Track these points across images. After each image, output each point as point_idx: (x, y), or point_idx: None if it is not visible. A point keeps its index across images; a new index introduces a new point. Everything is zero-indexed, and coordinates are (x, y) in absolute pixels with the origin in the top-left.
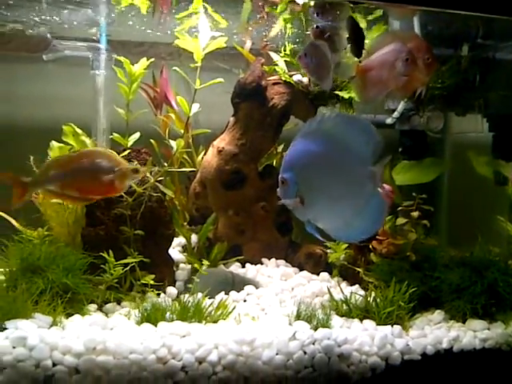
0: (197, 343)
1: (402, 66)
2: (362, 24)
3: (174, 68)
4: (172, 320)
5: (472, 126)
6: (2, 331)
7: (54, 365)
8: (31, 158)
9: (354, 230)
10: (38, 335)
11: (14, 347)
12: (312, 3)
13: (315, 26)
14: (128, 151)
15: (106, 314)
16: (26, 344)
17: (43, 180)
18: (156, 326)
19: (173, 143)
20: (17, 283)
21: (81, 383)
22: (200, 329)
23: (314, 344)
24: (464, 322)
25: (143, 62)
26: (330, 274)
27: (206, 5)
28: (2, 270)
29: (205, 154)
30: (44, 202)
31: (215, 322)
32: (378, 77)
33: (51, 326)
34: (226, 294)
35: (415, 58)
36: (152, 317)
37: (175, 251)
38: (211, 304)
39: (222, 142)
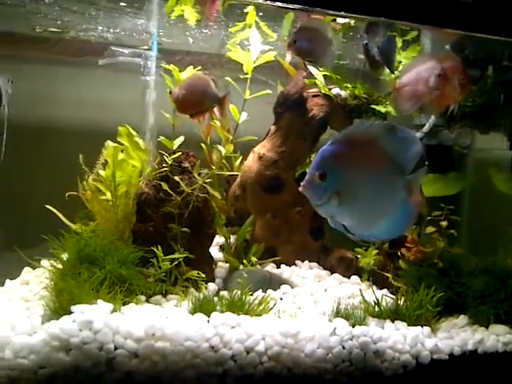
0: (246, 334)
1: (434, 80)
2: (398, 43)
3: (226, 78)
4: (223, 311)
5: (496, 144)
6: None
7: (116, 348)
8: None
9: (378, 232)
10: (103, 320)
11: (80, 330)
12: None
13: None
14: (178, 154)
15: (155, 305)
16: (92, 328)
17: None
18: (208, 316)
19: (221, 148)
20: (75, 272)
21: (138, 367)
22: (248, 321)
23: (351, 340)
24: (487, 327)
25: (190, 70)
26: (361, 277)
27: (257, 19)
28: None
29: (243, 159)
30: (92, 198)
31: (259, 315)
32: (413, 91)
33: (112, 312)
34: (264, 291)
35: (447, 74)
36: (204, 307)
37: (214, 250)
38: (255, 299)
39: (263, 148)
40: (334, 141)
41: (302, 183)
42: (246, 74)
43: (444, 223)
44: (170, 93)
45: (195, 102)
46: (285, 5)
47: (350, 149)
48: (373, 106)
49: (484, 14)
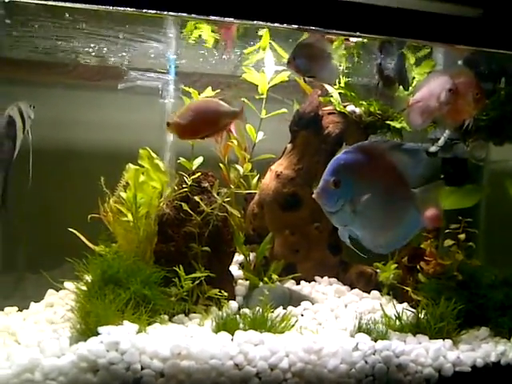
0: (270, 351)
1: (445, 95)
2: (412, 60)
3: (242, 99)
4: (246, 329)
5: (510, 155)
6: None
7: (142, 368)
8: (102, 179)
9: (385, 244)
10: (129, 340)
11: (107, 351)
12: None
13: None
14: (198, 174)
15: (178, 324)
16: (119, 348)
17: None
18: (232, 334)
19: (239, 167)
20: (100, 293)
21: None
22: (271, 338)
23: (374, 354)
24: (509, 338)
25: (208, 92)
26: (380, 292)
27: (271, 41)
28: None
29: (260, 177)
30: (113, 220)
31: (281, 332)
32: (425, 107)
33: (137, 332)
34: (284, 308)
35: (458, 89)
36: (227, 326)
37: (234, 268)
38: (277, 317)
39: (280, 166)
40: (347, 151)
41: (315, 190)
42: (262, 94)
43: (462, 236)
44: (169, 124)
45: (209, 121)
46: (300, 26)
47: (362, 159)
48: (388, 122)
49: (493, 29)
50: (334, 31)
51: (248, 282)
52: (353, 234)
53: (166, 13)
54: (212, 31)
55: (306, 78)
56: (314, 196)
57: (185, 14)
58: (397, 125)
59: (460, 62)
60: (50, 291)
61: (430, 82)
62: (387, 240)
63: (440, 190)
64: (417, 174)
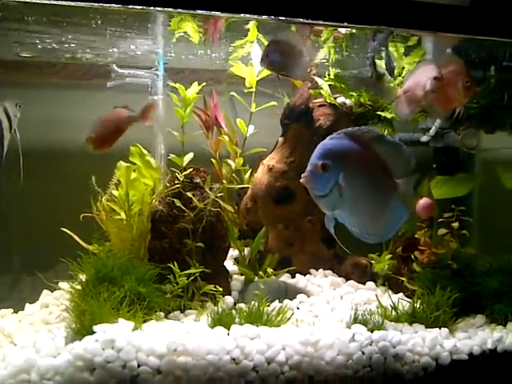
0: (266, 344)
1: (430, 83)
2: (401, 50)
3: (232, 93)
4: (242, 324)
5: (502, 143)
6: None
7: (139, 366)
8: (93, 178)
9: (371, 231)
10: (125, 338)
11: (103, 349)
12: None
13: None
14: (189, 170)
15: (174, 321)
16: (115, 346)
17: None
18: (228, 329)
19: (230, 162)
20: (94, 292)
21: (162, 383)
22: (267, 331)
23: (371, 345)
24: (505, 325)
25: (195, 87)
26: (376, 283)
27: (258, 34)
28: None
29: (252, 172)
30: (106, 219)
31: (277, 326)
32: (412, 96)
33: (133, 329)
34: (280, 302)
35: (447, 77)
36: (224, 320)
37: (228, 263)
38: (272, 310)
39: (272, 160)
40: (334, 136)
41: (303, 174)
42: (250, 87)
43: (455, 224)
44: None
45: (115, 130)
46: (287, 18)
47: (349, 144)
48: (378, 113)
49: (481, 17)
50: (322, 22)
51: (243, 277)
52: (340, 220)
53: (152, 8)
54: (198, 26)
55: (280, 76)
56: (301, 180)
57: (171, 9)
58: (387, 115)
59: (449, 51)
60: (45, 292)
61: (416, 72)
62: (373, 228)
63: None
64: (401, 166)
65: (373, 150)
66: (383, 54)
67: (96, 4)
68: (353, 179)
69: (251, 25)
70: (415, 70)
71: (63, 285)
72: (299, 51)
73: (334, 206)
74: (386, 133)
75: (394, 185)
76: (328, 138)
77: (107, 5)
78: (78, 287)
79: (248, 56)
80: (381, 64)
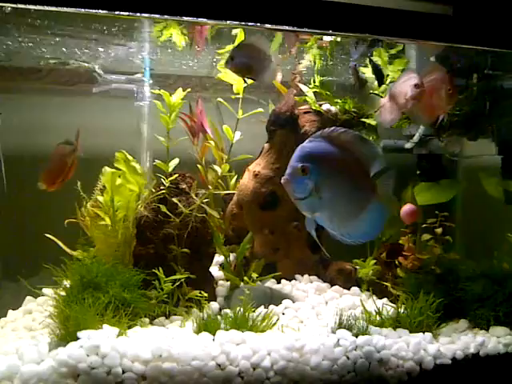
0: (252, 350)
1: (410, 91)
2: (384, 58)
3: (219, 99)
4: (227, 329)
5: (484, 150)
6: None
7: (124, 372)
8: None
9: (352, 233)
10: (110, 344)
11: (88, 355)
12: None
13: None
14: (175, 176)
15: (159, 327)
16: (99, 352)
17: None
18: (213, 334)
19: (217, 168)
20: (79, 298)
21: None
22: (253, 337)
23: (355, 350)
24: (488, 329)
25: (180, 93)
26: (360, 288)
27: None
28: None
29: (238, 178)
30: (91, 224)
31: (263, 331)
32: (395, 104)
33: (118, 335)
34: (266, 307)
35: (423, 84)
36: (209, 326)
37: (214, 269)
38: (258, 316)
39: (258, 166)
40: (312, 139)
41: (283, 177)
42: (237, 94)
43: (439, 230)
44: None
45: (58, 167)
46: (273, 26)
47: (327, 147)
48: (363, 120)
49: (463, 26)
50: (306, 30)
51: (229, 283)
52: (320, 222)
53: (138, 14)
54: (183, 33)
55: (246, 79)
56: (281, 182)
57: (157, 16)
58: (372, 122)
59: (432, 59)
60: (29, 298)
61: (399, 81)
62: (354, 230)
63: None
64: (375, 166)
65: (350, 151)
66: (368, 62)
67: (82, 10)
68: (331, 182)
69: (238, 31)
70: (398, 80)
71: (47, 291)
72: (266, 56)
73: (313, 208)
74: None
75: (373, 186)
76: (307, 140)
77: (93, 11)
78: (63, 293)
79: None
80: (367, 71)
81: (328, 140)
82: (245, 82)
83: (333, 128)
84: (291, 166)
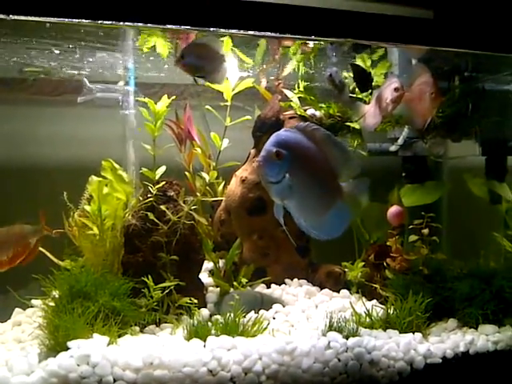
0: (243, 355)
1: (390, 94)
2: (367, 62)
3: (207, 107)
4: (218, 335)
5: (468, 151)
6: None
7: (115, 380)
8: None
9: (315, 228)
10: (100, 353)
11: (78, 365)
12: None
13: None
14: (162, 183)
15: (150, 335)
16: (90, 361)
17: None
18: (204, 341)
19: (204, 175)
20: (68, 307)
21: None
22: (244, 342)
23: (346, 352)
24: (476, 328)
25: (165, 101)
26: (350, 291)
27: (233, 48)
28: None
29: (225, 184)
30: (78, 234)
31: (253, 336)
32: (377, 109)
33: (108, 344)
34: (256, 312)
35: (403, 88)
36: (200, 332)
37: (203, 275)
38: (248, 321)
39: (245, 172)
40: (287, 129)
41: (257, 160)
42: (226, 101)
43: (426, 231)
44: None
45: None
46: (258, 33)
47: (301, 138)
48: (347, 124)
49: (444, 29)
50: (289, 36)
51: (218, 289)
52: (288, 210)
53: (122, 23)
54: (168, 41)
55: (196, 78)
56: (254, 165)
57: (141, 24)
58: (356, 126)
59: (415, 62)
60: (17, 310)
61: (382, 87)
62: (317, 225)
63: (364, 188)
64: (346, 169)
65: (322, 149)
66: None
67: (66, 19)
68: (303, 172)
69: (225, 38)
70: (382, 85)
71: (36, 302)
72: (217, 55)
73: (283, 195)
74: (355, 143)
75: (339, 187)
76: (282, 129)
77: (77, 20)
78: (52, 303)
79: None
80: (348, 76)
81: (303, 133)
82: (195, 81)
83: (308, 123)
84: (266, 150)
